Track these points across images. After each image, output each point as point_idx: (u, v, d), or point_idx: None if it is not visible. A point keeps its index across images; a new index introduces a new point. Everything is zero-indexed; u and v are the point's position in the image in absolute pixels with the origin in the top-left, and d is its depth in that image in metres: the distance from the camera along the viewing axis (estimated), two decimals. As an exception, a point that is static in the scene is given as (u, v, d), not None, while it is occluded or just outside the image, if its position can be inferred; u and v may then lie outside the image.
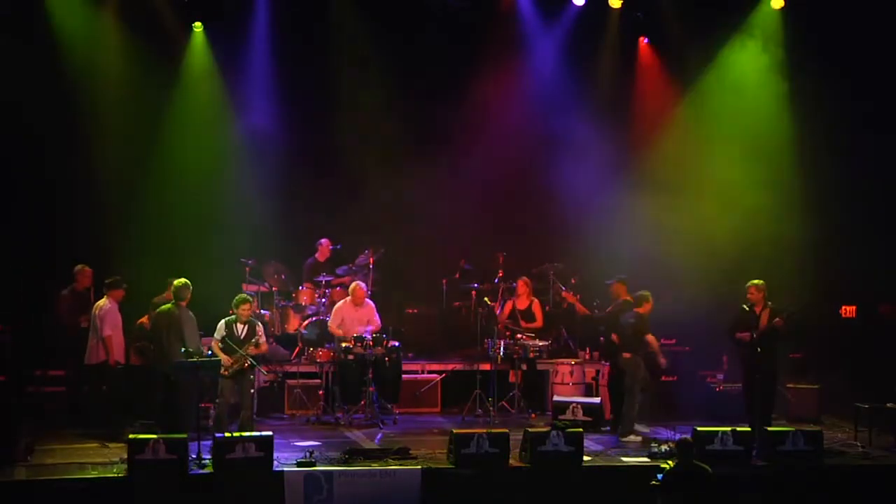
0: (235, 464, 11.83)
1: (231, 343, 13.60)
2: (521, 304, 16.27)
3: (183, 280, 13.76)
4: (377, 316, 15.55)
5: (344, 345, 15.12)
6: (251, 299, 14.20)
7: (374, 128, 17.86)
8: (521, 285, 16.33)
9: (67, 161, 16.45)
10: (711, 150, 17.75)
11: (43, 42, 16.29)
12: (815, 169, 17.15)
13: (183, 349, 13.22)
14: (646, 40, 18.38)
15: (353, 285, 15.65)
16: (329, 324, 15.58)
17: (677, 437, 12.30)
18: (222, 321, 13.77)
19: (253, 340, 13.75)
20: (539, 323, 16.20)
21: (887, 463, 13.22)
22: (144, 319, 14.46)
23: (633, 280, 15.90)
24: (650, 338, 14.43)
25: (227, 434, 12.29)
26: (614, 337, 14.82)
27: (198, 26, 17.17)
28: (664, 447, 13.00)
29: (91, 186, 16.65)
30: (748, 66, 17.83)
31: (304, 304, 16.69)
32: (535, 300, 16.40)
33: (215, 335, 13.66)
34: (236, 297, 13.96)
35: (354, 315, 15.44)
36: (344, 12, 17.54)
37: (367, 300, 15.65)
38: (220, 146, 17.47)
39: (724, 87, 17.84)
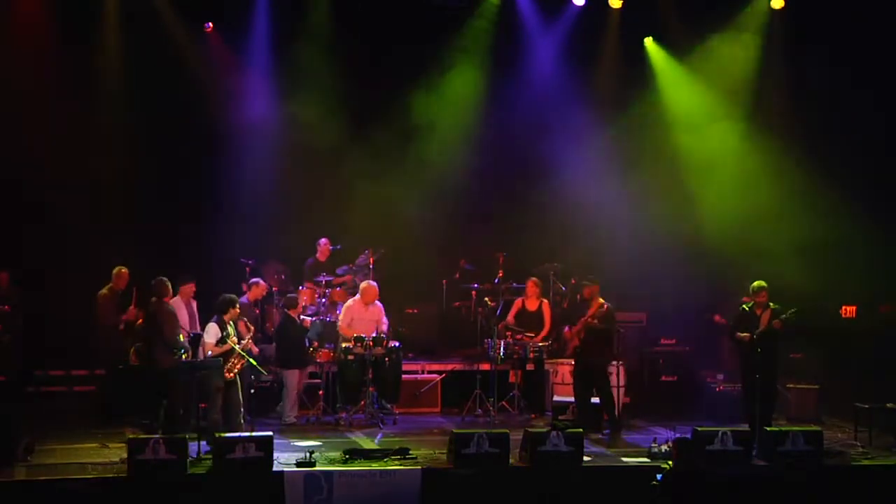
0: (235, 464, 11.82)
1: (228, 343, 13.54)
2: (531, 304, 16.14)
3: (160, 278, 13.78)
4: (385, 318, 15.52)
5: (344, 345, 15.11)
6: (237, 300, 14.14)
7: (374, 127, 17.88)
8: (531, 286, 16.20)
9: (65, 160, 16.45)
10: (712, 151, 17.78)
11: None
12: (815, 168, 17.16)
13: (184, 349, 13.22)
14: (650, 40, 18.36)
15: (364, 284, 15.59)
16: (339, 324, 15.48)
17: (677, 437, 12.29)
18: (213, 324, 13.51)
19: (248, 338, 13.74)
20: (546, 329, 16.05)
21: (887, 463, 13.20)
22: (143, 320, 14.45)
23: (634, 280, 15.94)
24: None
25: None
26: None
27: (208, 27, 17.20)
28: (664, 447, 12.98)
29: (90, 186, 16.65)
30: (749, 64, 17.83)
31: (304, 304, 16.67)
32: (545, 302, 16.26)
33: (207, 338, 13.39)
34: (225, 299, 13.75)
35: (364, 315, 15.38)
36: (343, 12, 17.53)
37: (377, 301, 15.63)
38: (220, 146, 17.48)
39: (726, 86, 17.85)
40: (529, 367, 15.81)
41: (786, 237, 16.68)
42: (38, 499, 11.54)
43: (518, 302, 16.29)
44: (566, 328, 15.12)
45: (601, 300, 14.65)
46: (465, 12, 17.86)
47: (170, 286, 13.87)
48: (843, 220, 16.70)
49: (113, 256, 15.70)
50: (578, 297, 15.28)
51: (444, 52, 17.94)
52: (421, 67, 17.88)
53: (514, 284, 16.94)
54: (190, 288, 14.56)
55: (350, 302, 15.65)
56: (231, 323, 13.55)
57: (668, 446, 12.83)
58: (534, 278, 16.39)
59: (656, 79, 18.32)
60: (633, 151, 18.10)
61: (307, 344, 15.43)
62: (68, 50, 16.56)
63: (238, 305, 13.74)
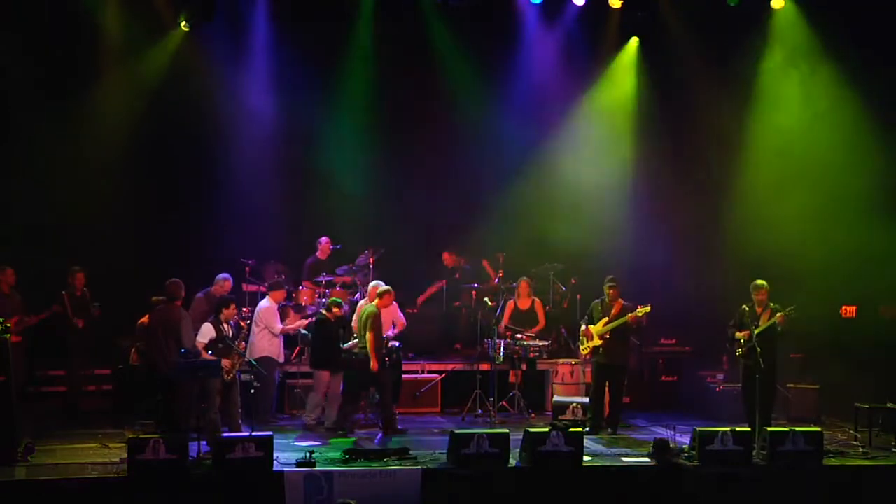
0: (235, 464, 11.82)
1: (226, 343, 13.52)
2: (523, 304, 16.26)
3: (175, 280, 13.76)
4: (401, 313, 15.43)
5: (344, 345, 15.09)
6: (235, 299, 14.11)
7: (374, 127, 17.88)
8: (523, 285, 16.30)
9: (63, 159, 16.44)
10: (714, 151, 17.78)
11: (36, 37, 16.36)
12: (816, 168, 17.16)
13: (183, 350, 13.22)
14: (639, 40, 18.32)
15: (383, 289, 14.79)
16: (354, 324, 15.15)
17: (677, 437, 12.30)
18: (207, 323, 13.54)
19: (242, 336, 13.75)
20: (541, 324, 16.16)
21: (887, 463, 13.21)
22: (145, 320, 14.45)
23: (634, 279, 15.94)
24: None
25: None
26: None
27: (184, 24, 17.05)
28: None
29: (88, 186, 16.63)
30: (755, 65, 17.80)
31: (304, 304, 16.67)
32: (537, 300, 16.37)
33: (199, 338, 13.44)
34: (221, 299, 13.77)
35: (384, 318, 14.90)
36: (343, 11, 17.53)
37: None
38: (220, 145, 17.48)
39: (733, 89, 17.83)
40: (541, 365, 15.84)
41: (786, 237, 16.70)
42: (38, 499, 11.55)
43: (511, 303, 16.32)
44: (585, 327, 14.89)
45: (621, 301, 14.72)
46: (466, 12, 17.83)
47: (183, 288, 13.81)
48: (843, 220, 16.72)
49: (112, 257, 15.72)
50: (603, 298, 14.97)
51: (443, 49, 17.92)
52: (419, 66, 17.86)
53: (514, 284, 16.93)
54: (281, 294, 14.87)
55: (363, 303, 15.40)
56: (227, 323, 13.57)
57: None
58: (526, 278, 16.44)
59: (651, 78, 18.34)
60: (633, 151, 18.10)
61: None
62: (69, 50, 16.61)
63: (233, 305, 13.74)
